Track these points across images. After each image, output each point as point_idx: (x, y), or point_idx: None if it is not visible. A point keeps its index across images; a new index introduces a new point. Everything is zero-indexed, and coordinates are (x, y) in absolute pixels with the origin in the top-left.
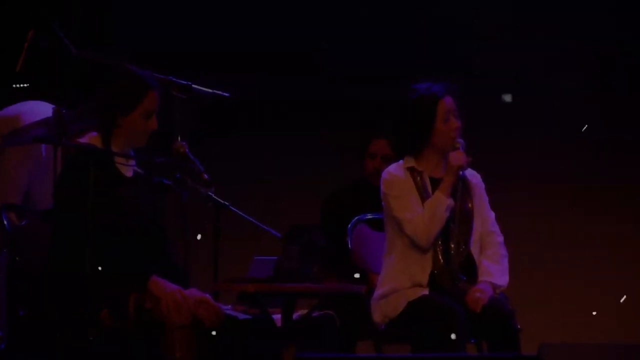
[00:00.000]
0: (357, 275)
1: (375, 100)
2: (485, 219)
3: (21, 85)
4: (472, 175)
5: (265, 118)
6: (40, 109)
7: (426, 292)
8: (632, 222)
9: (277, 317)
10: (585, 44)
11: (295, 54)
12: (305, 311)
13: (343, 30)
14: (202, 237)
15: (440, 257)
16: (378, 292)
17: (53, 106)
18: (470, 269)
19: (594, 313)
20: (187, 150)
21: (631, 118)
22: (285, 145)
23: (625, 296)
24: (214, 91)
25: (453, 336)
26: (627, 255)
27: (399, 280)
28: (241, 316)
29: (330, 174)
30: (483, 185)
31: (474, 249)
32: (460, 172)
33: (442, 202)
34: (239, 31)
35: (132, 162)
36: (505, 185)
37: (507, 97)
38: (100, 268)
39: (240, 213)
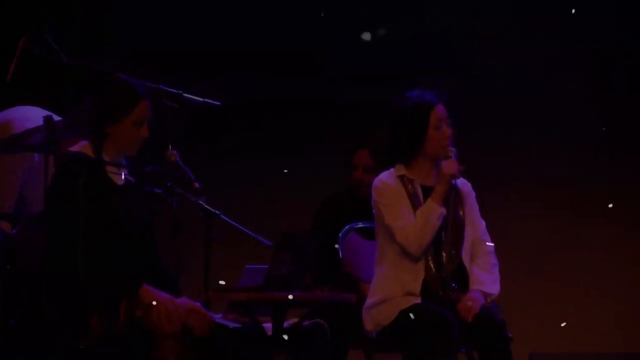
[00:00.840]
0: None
1: (374, 102)
2: (476, 228)
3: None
4: (462, 183)
5: (263, 120)
6: (33, 115)
7: (418, 300)
8: (631, 224)
9: (268, 325)
10: (585, 44)
11: (295, 54)
12: (296, 320)
13: (343, 30)
14: (193, 245)
15: (432, 266)
16: (370, 301)
17: (45, 112)
18: (461, 277)
19: (565, 319)
20: (178, 158)
21: (631, 119)
22: (282, 149)
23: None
24: (205, 100)
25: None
26: (626, 258)
27: (390, 288)
28: (232, 325)
29: (327, 178)
30: (473, 194)
31: (465, 257)
32: (453, 181)
33: (434, 211)
34: (238, 31)
35: (124, 170)
36: (503, 186)
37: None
38: (92, 276)
39: (231, 221)
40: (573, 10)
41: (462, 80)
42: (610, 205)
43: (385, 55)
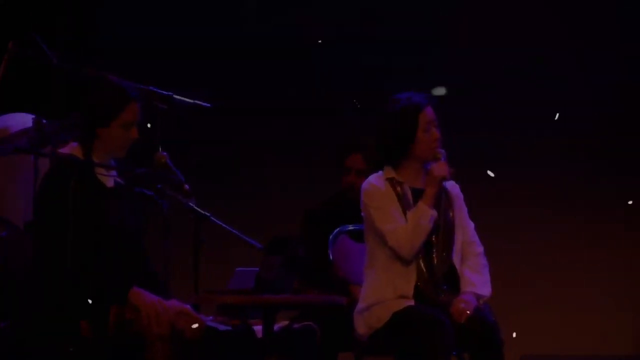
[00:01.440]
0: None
1: (368, 103)
2: (465, 229)
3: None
4: (451, 185)
5: (255, 121)
6: (28, 121)
7: (411, 303)
8: (630, 224)
9: (258, 328)
10: (586, 45)
11: (290, 54)
12: (286, 323)
13: (342, 30)
14: (183, 247)
15: (423, 268)
16: (361, 304)
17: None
18: (452, 279)
19: (558, 320)
20: (168, 160)
21: (631, 118)
22: (275, 150)
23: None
24: (195, 101)
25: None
26: (623, 258)
27: (383, 292)
28: (221, 327)
29: (321, 180)
30: (462, 196)
31: (456, 259)
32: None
33: (425, 213)
34: (232, 31)
35: (113, 172)
36: (499, 186)
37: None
38: (81, 278)
39: (221, 223)
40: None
41: (460, 81)
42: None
43: (383, 55)
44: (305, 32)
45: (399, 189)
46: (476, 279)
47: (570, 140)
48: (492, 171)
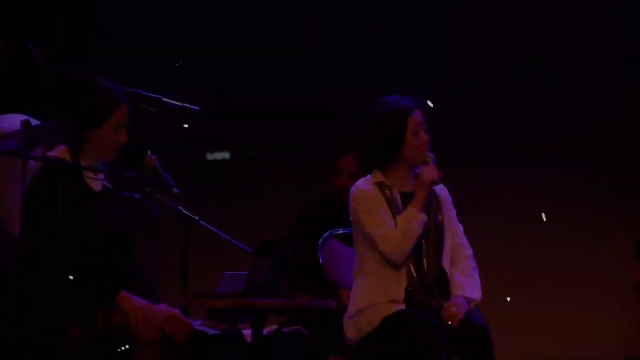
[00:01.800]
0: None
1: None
2: (454, 232)
3: None
4: (440, 189)
5: (243, 124)
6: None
7: (402, 307)
8: (631, 223)
9: (248, 332)
10: (586, 45)
11: (292, 52)
12: (275, 327)
13: (342, 30)
14: (172, 251)
15: (413, 273)
16: (352, 309)
17: (35, 121)
18: (443, 282)
19: (551, 322)
20: (157, 164)
21: (630, 119)
22: (264, 153)
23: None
24: (184, 104)
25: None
26: (626, 258)
27: (373, 296)
28: (211, 331)
29: (312, 183)
30: (450, 199)
31: (445, 262)
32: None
33: (415, 218)
34: (230, 31)
35: (101, 176)
36: (500, 189)
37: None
38: (69, 282)
39: (210, 227)
40: None
41: (460, 81)
42: None
43: (383, 55)
44: (305, 32)
45: (387, 193)
46: (466, 282)
47: (570, 140)
48: (492, 171)
